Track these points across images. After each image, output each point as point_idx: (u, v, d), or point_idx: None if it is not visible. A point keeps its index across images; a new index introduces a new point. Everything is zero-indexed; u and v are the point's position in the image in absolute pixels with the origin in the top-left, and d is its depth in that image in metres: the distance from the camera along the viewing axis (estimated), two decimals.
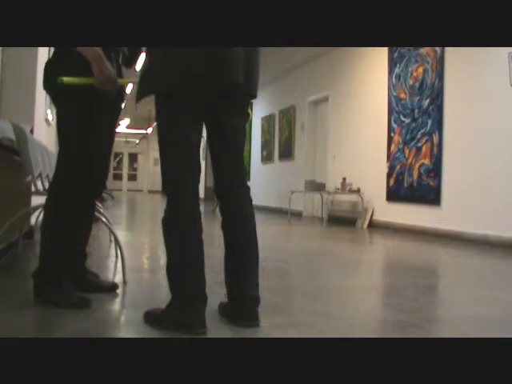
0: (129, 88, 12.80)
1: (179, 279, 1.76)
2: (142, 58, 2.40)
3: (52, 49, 2.20)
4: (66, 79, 1.92)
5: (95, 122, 2.09)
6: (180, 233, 1.77)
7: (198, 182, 1.84)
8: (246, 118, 1.99)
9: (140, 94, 1.83)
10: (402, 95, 6.68)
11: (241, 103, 1.92)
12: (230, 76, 1.75)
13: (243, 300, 1.86)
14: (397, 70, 6.81)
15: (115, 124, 2.31)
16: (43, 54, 4.56)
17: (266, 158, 11.55)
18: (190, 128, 1.79)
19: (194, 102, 1.77)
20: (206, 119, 1.89)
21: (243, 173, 1.97)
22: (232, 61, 1.74)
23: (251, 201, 1.96)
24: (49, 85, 2.12)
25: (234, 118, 1.91)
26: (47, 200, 2.16)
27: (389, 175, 6.92)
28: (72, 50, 1.98)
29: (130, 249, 3.90)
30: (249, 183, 1.99)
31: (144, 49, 2.35)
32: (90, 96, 2.03)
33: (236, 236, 1.91)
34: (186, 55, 1.71)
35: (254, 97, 1.94)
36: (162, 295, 2.12)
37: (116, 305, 2.22)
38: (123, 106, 2.34)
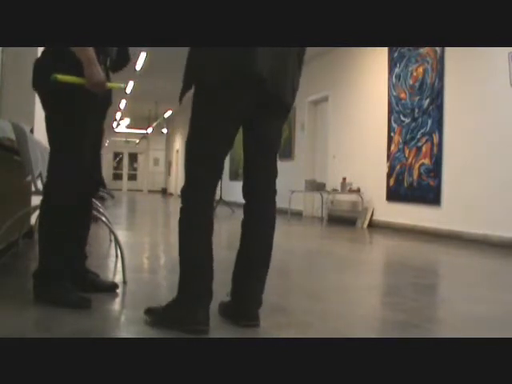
0: (129, 88, 12.83)
1: (187, 275, 1.77)
2: (127, 65, 2.43)
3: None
4: (59, 77, 1.95)
5: (83, 122, 2.10)
6: (191, 230, 1.78)
7: (217, 182, 1.85)
8: (284, 119, 1.96)
9: (182, 88, 1.82)
10: (402, 95, 6.67)
11: (277, 107, 1.88)
12: (254, 70, 1.70)
13: (245, 299, 1.87)
14: (397, 70, 6.81)
15: (101, 124, 2.32)
16: None
17: None
18: (226, 132, 1.79)
19: (231, 97, 1.76)
20: (243, 119, 1.88)
21: (274, 175, 1.97)
22: (258, 57, 1.70)
23: (275, 204, 1.96)
24: (38, 84, 2.12)
25: (271, 119, 1.89)
26: (42, 200, 2.16)
27: (389, 175, 6.92)
28: (63, 50, 1.99)
29: (129, 248, 3.90)
30: None
31: (130, 56, 2.39)
32: (78, 96, 2.04)
33: (251, 236, 1.92)
34: (217, 52, 1.70)
35: (286, 104, 1.88)
36: (162, 295, 2.12)
37: (116, 305, 2.22)
38: (109, 108, 2.36)
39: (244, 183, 1.97)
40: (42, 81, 2.09)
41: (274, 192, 1.97)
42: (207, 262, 1.77)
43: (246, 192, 1.96)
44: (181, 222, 1.80)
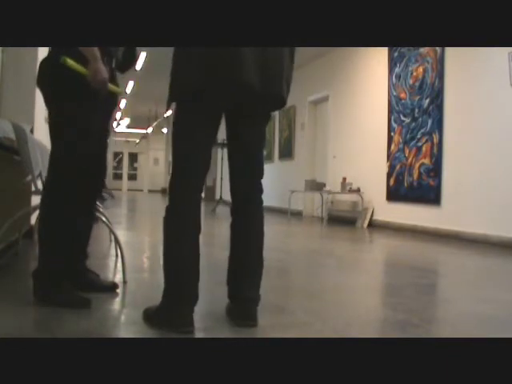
0: (129, 88, 12.86)
1: (170, 276, 1.77)
2: (136, 63, 2.43)
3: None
4: (68, 60, 1.95)
5: (85, 122, 2.09)
6: (176, 230, 1.77)
7: (202, 181, 1.83)
8: (266, 120, 1.96)
9: (167, 101, 1.86)
10: (402, 95, 6.67)
11: (256, 106, 1.87)
12: (242, 76, 1.69)
13: (240, 300, 1.87)
14: (397, 70, 6.81)
15: (106, 125, 2.30)
16: (43, 53, 4.56)
17: (266, 157, 11.55)
18: (203, 133, 1.79)
19: (211, 106, 1.78)
20: (225, 120, 1.90)
21: (256, 174, 1.95)
22: (242, 60, 1.69)
23: (261, 203, 1.96)
24: (41, 82, 2.12)
25: (249, 119, 1.89)
26: (42, 199, 2.16)
27: (389, 175, 6.92)
28: (70, 49, 1.99)
29: (129, 248, 3.90)
30: None
31: (138, 55, 2.40)
32: (81, 96, 2.04)
33: (239, 236, 1.92)
34: (195, 58, 1.70)
35: (280, 98, 1.84)
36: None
37: (116, 304, 2.21)
38: (116, 112, 2.36)
39: (230, 186, 1.97)
40: (44, 80, 2.09)
41: (259, 192, 1.96)
42: (194, 263, 1.76)
43: (231, 194, 1.96)
44: (166, 220, 1.78)
